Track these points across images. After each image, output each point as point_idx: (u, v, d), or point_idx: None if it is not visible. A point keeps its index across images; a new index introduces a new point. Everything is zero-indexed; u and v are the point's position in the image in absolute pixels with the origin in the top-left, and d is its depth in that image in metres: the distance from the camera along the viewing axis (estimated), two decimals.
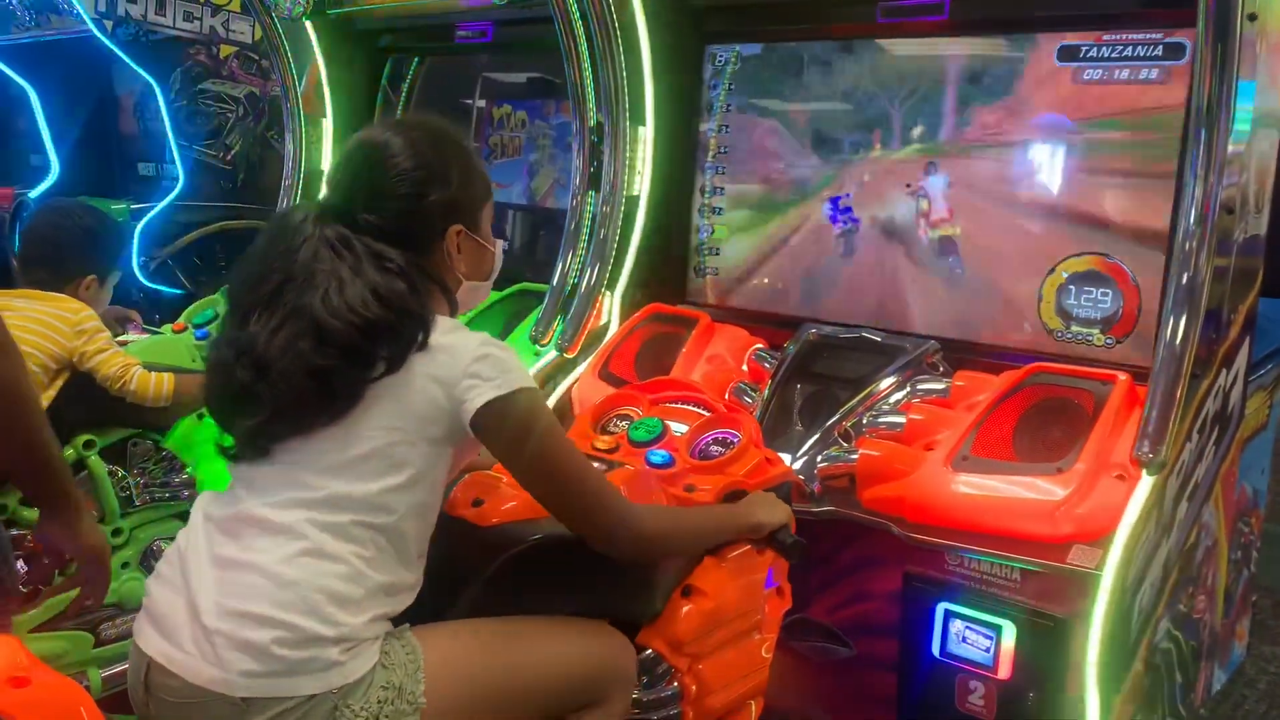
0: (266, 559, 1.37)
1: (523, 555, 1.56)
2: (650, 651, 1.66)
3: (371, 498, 1.40)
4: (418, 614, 1.50)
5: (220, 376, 1.46)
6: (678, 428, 1.92)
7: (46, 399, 2.50)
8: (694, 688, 1.67)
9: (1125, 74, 2.16)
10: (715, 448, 1.86)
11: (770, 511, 1.72)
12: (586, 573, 1.61)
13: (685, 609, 1.65)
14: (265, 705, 1.32)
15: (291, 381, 1.40)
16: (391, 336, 1.42)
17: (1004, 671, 1.87)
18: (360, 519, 1.40)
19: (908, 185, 2.47)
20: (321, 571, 1.36)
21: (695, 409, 2.02)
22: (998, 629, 1.87)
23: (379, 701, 1.36)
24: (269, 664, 1.32)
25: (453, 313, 1.59)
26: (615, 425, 2.00)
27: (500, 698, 1.49)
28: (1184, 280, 1.87)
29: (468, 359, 1.43)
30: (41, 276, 2.62)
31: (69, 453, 2.63)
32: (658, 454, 1.82)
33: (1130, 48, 2.15)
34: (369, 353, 1.41)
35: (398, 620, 1.47)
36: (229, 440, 1.50)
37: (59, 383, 2.53)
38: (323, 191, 1.62)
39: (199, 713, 1.34)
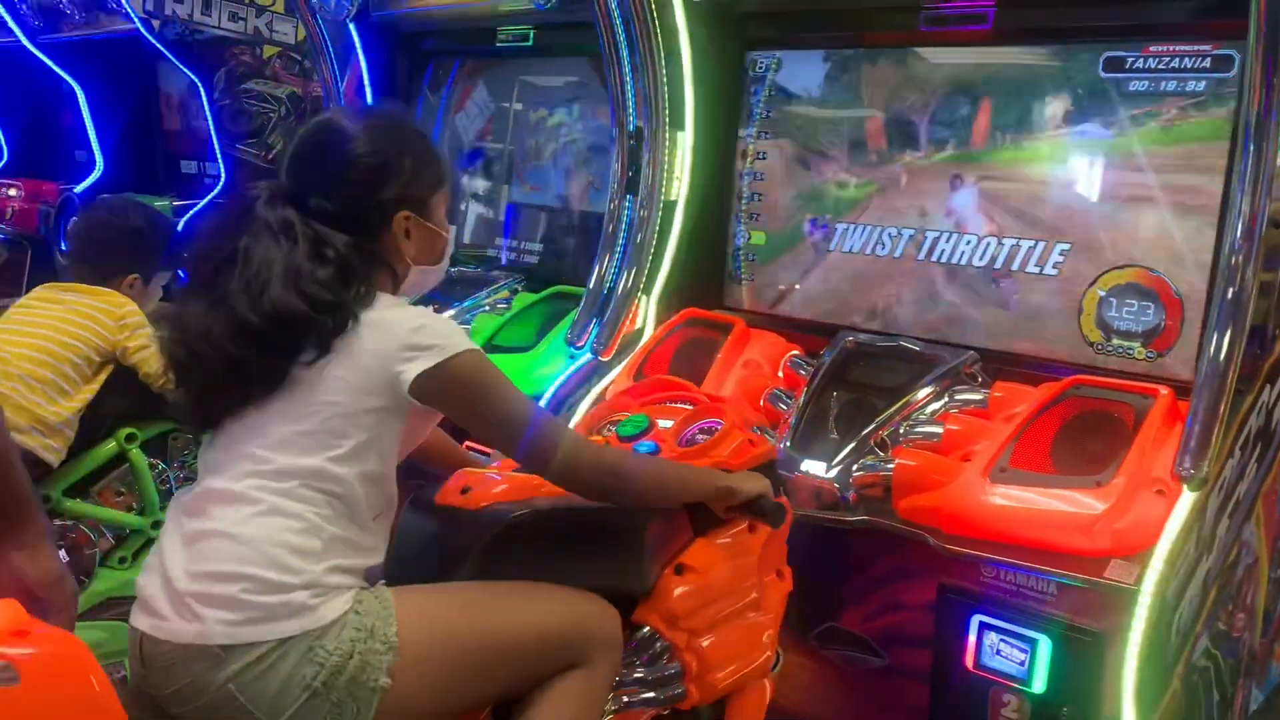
0: (226, 524, 1.44)
1: (511, 532, 1.59)
2: (646, 628, 1.68)
3: (315, 468, 1.47)
4: None
5: (166, 351, 1.56)
6: (664, 422, 1.94)
7: (90, 391, 2.54)
8: (694, 664, 1.70)
9: (1172, 85, 2.14)
10: (700, 435, 1.87)
11: (744, 481, 1.71)
12: (575, 548, 1.64)
13: (678, 585, 1.69)
14: (242, 652, 1.38)
15: (209, 368, 1.49)
16: (309, 327, 1.47)
17: (1039, 685, 1.86)
18: (307, 483, 1.46)
19: (945, 194, 2.46)
20: (277, 527, 1.44)
21: (684, 406, 2.03)
22: (1033, 642, 1.85)
23: (351, 640, 1.42)
24: (242, 611, 1.39)
25: (395, 292, 1.63)
26: (608, 429, 2.02)
27: (475, 646, 1.52)
28: (1229, 295, 1.85)
29: (403, 332, 1.50)
30: (85, 273, 2.67)
31: (111, 445, 2.68)
32: (644, 444, 1.85)
33: (1178, 59, 2.13)
34: (288, 343, 1.48)
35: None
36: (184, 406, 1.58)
37: (103, 376, 2.57)
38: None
39: (184, 671, 1.40)
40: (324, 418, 1.47)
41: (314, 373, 1.48)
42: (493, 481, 1.68)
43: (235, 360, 1.47)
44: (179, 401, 1.57)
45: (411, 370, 1.48)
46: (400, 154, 1.60)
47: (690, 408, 1.99)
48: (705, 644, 1.70)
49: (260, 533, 1.43)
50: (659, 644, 1.69)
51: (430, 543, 1.62)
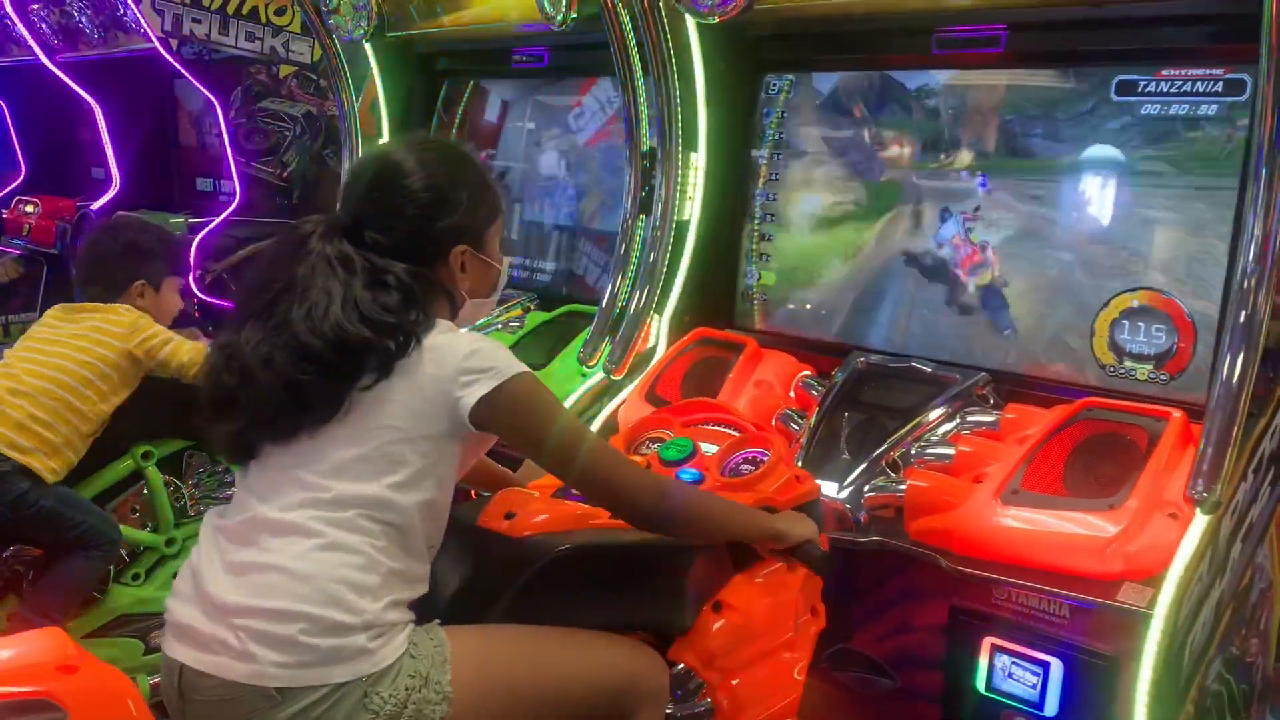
0: (281, 558, 1.41)
1: (554, 566, 1.58)
2: (681, 666, 1.67)
3: (374, 496, 1.45)
4: (451, 622, 1.53)
5: (211, 378, 1.53)
6: (708, 448, 1.93)
7: (106, 409, 2.56)
8: (726, 703, 1.68)
9: (1184, 109, 2.14)
10: (745, 466, 1.87)
11: (793, 524, 1.72)
12: (618, 585, 1.63)
13: (716, 623, 1.67)
14: (299, 695, 1.36)
15: (268, 394, 1.46)
16: (370, 351, 1.46)
17: (1051, 709, 1.84)
18: (367, 513, 1.44)
19: (961, 215, 2.47)
20: (336, 562, 1.41)
21: (726, 430, 2.03)
22: (1045, 665, 1.84)
23: (406, 689, 1.40)
24: (299, 654, 1.36)
25: (452, 319, 1.62)
26: (647, 447, 2.02)
27: (528, 698, 1.51)
28: (1242, 318, 1.85)
29: (459, 357, 1.49)
30: (95, 293, 2.70)
31: (128, 463, 2.70)
32: (688, 472, 1.84)
33: (1190, 83, 2.14)
34: (349, 367, 1.46)
35: (423, 617, 1.50)
36: (219, 447, 1.56)
37: (123, 393, 2.58)
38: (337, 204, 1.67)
39: (234, 709, 1.38)
40: (382, 442, 1.46)
41: (373, 397, 1.47)
42: (536, 508, 1.66)
43: (296, 384, 1.45)
44: (218, 430, 1.53)
45: (472, 395, 1.48)
46: (457, 188, 1.60)
47: (731, 432, 1.98)
48: (737, 683, 1.69)
49: (319, 569, 1.40)
50: (693, 682, 1.68)
51: (471, 569, 1.60)
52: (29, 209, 5.70)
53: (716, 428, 2.05)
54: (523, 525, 1.63)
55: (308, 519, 1.43)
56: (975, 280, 2.45)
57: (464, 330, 1.59)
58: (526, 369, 1.53)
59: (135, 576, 2.73)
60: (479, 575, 1.61)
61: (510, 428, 1.53)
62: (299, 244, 1.54)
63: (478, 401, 1.47)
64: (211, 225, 4.72)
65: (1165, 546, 1.79)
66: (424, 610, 1.54)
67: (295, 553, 1.41)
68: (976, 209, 2.44)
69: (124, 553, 2.72)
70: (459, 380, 1.48)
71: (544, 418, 1.53)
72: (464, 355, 1.49)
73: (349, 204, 1.61)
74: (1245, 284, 1.86)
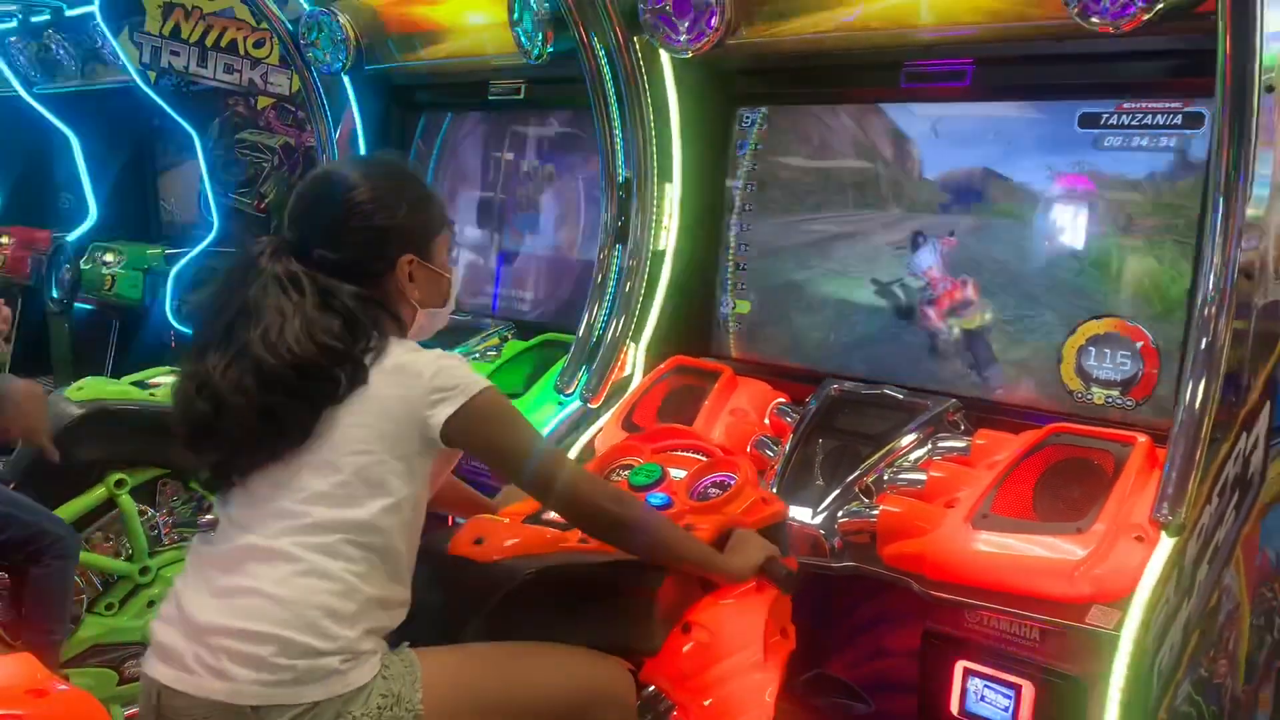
0: (263, 583, 1.43)
1: (523, 590, 1.60)
2: (652, 688, 1.68)
3: (354, 520, 1.47)
4: (421, 646, 1.54)
5: (183, 407, 1.54)
6: (677, 473, 1.95)
7: None
8: None
9: (1145, 141, 2.20)
10: (713, 490, 1.89)
11: (747, 553, 1.73)
12: (587, 607, 1.65)
13: (686, 644, 1.69)
14: (274, 713, 1.38)
15: (243, 419, 1.48)
16: (323, 375, 1.48)
17: None
18: (349, 538, 1.46)
19: (930, 245, 2.51)
20: (316, 589, 1.43)
21: (695, 455, 2.05)
22: (1017, 688, 1.86)
23: (379, 708, 1.43)
24: (274, 673, 1.39)
25: (403, 336, 1.64)
26: (618, 474, 2.03)
27: (498, 712, 1.53)
28: (1203, 344, 1.89)
29: (426, 376, 1.51)
30: None
31: (100, 491, 2.68)
32: (656, 496, 1.86)
33: (1150, 115, 2.19)
34: (312, 389, 1.48)
35: (395, 642, 1.52)
36: (202, 476, 1.57)
37: None
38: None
39: None
40: (359, 467, 1.48)
41: (342, 422, 1.49)
42: (505, 533, 1.68)
43: (268, 409, 1.47)
44: (198, 460, 1.55)
45: (441, 414, 1.50)
46: (399, 199, 1.62)
47: (700, 458, 2.00)
48: (709, 704, 1.70)
49: (298, 595, 1.43)
50: (663, 704, 1.69)
51: (441, 595, 1.61)
52: (3, 241, 5.69)
53: (685, 454, 2.07)
54: (491, 550, 1.64)
55: (290, 545, 1.45)
56: (945, 308, 2.48)
57: (425, 350, 1.60)
58: (489, 383, 1.56)
59: (109, 606, 2.71)
60: (449, 601, 1.62)
61: (475, 439, 1.56)
62: (249, 265, 1.56)
63: (448, 420, 1.50)
64: (190, 256, 4.72)
65: (1132, 569, 1.82)
66: (395, 635, 1.56)
67: (276, 578, 1.44)
68: (950, 234, 2.48)
69: (97, 582, 2.70)
70: (428, 399, 1.51)
71: (504, 427, 1.57)
72: (431, 375, 1.52)
73: (294, 222, 1.63)
74: (1206, 311, 1.90)
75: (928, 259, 2.52)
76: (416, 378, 1.52)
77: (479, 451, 1.60)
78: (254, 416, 1.47)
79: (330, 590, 1.44)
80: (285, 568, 1.44)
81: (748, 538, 1.76)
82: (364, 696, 1.42)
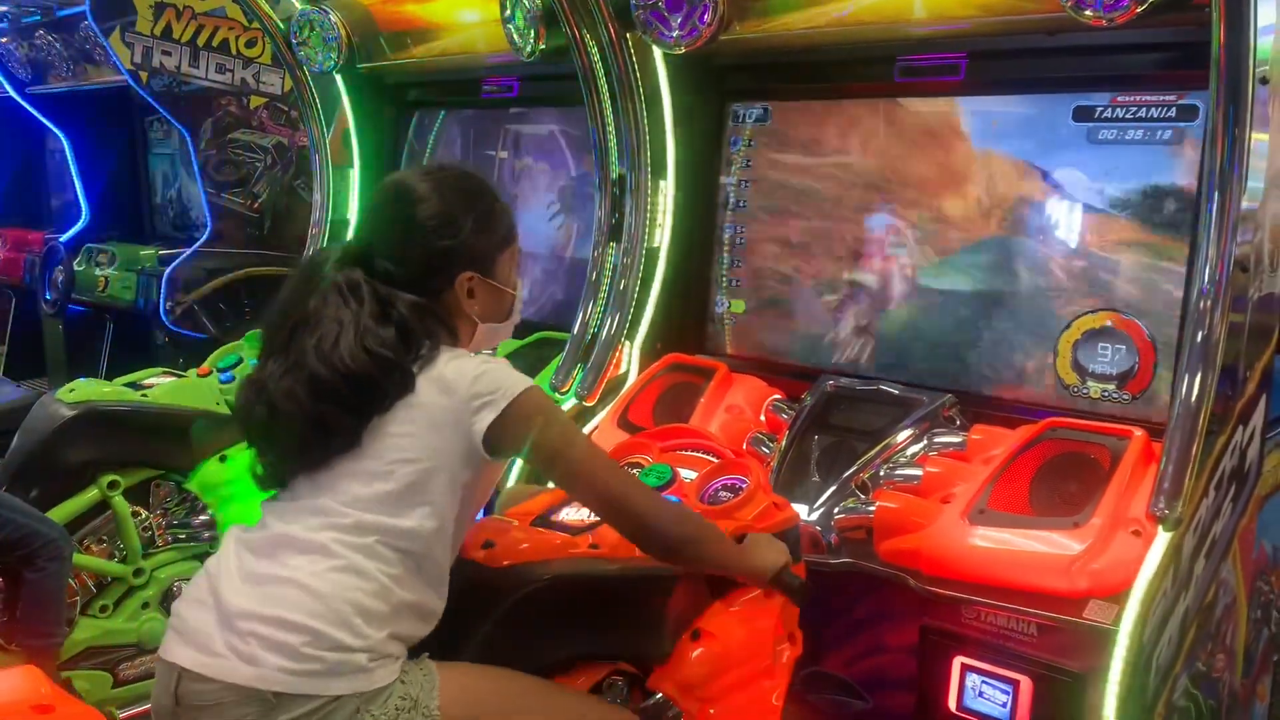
0: (299, 573, 1.45)
1: (533, 596, 1.59)
2: (660, 696, 1.67)
3: (394, 526, 1.48)
4: (430, 650, 1.54)
5: (244, 414, 1.57)
6: (687, 474, 1.94)
7: None
8: None
9: (1140, 134, 2.19)
10: (724, 493, 1.88)
11: (766, 554, 1.72)
12: (596, 614, 1.63)
13: (694, 652, 1.68)
14: (295, 702, 1.39)
15: (293, 427, 1.50)
16: (373, 386, 1.49)
17: None
18: (388, 541, 1.47)
19: (925, 240, 2.51)
20: (351, 585, 1.44)
21: (705, 456, 2.04)
22: (1014, 684, 1.86)
23: (396, 709, 1.44)
24: (303, 663, 1.40)
25: (457, 347, 1.63)
26: None
27: None
28: (1199, 338, 1.88)
29: (467, 384, 1.51)
30: None
31: (93, 493, 2.67)
32: (667, 499, 1.84)
33: (1145, 109, 2.19)
34: (362, 400, 1.50)
35: (415, 653, 1.52)
36: (259, 469, 1.59)
37: None
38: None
39: (229, 713, 1.40)
40: (403, 476, 1.49)
41: (388, 431, 1.50)
42: (515, 537, 1.67)
43: (317, 417, 1.49)
44: (255, 461, 1.58)
45: (483, 420, 1.50)
46: (465, 217, 1.61)
47: (709, 458, 1.99)
48: (715, 712, 1.69)
49: (332, 589, 1.43)
50: (671, 711, 1.68)
51: (453, 601, 1.58)
52: None
53: (694, 454, 2.06)
54: (501, 555, 1.63)
55: (329, 540, 1.47)
56: (941, 303, 2.48)
57: (470, 357, 1.59)
58: (533, 384, 1.55)
59: (103, 608, 2.70)
60: (458, 605, 1.60)
61: (521, 442, 1.54)
62: (315, 270, 1.59)
63: (490, 426, 1.50)
64: (183, 256, 4.70)
65: (1129, 564, 1.81)
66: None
67: (313, 570, 1.45)
68: (938, 233, 2.48)
69: (91, 584, 2.69)
70: (470, 406, 1.50)
71: (552, 430, 1.55)
72: (472, 380, 1.51)
73: (362, 230, 1.67)
74: (1201, 305, 1.89)
75: (921, 253, 2.51)
76: (460, 385, 1.51)
77: (527, 453, 1.57)
78: (306, 424, 1.50)
79: (364, 589, 1.45)
80: (323, 562, 1.45)
81: (762, 539, 1.75)
82: (384, 697, 1.43)
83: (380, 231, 1.62)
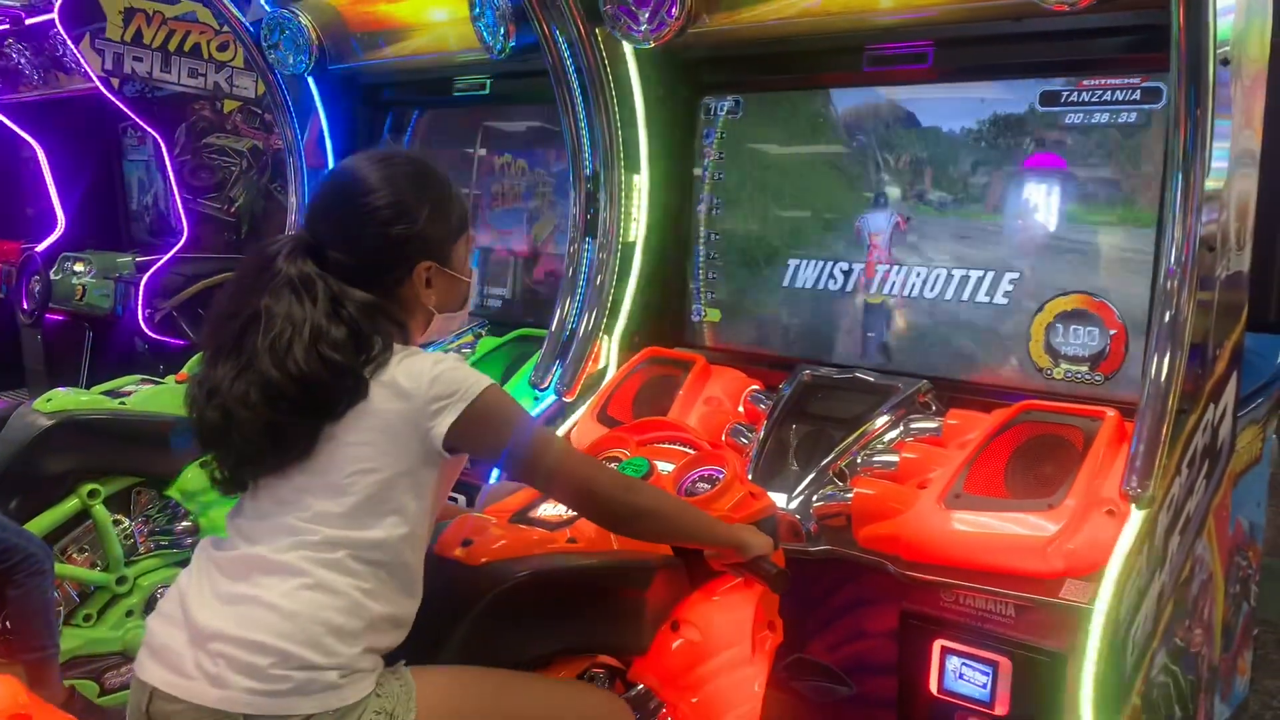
0: (270, 594, 1.41)
1: (512, 592, 1.59)
2: (641, 687, 1.68)
3: (361, 539, 1.45)
4: (410, 652, 1.52)
5: (194, 414, 1.52)
6: (664, 466, 1.95)
7: None
8: None
9: (1105, 117, 2.21)
10: (701, 484, 1.89)
11: (753, 536, 1.73)
12: (576, 608, 1.64)
13: (675, 642, 1.69)
14: None
15: (249, 432, 1.45)
16: (325, 391, 1.45)
17: (1001, 708, 1.87)
18: (358, 554, 1.44)
19: (897, 227, 2.52)
20: (323, 604, 1.41)
21: (682, 448, 2.05)
22: (994, 665, 1.88)
23: None
24: (270, 684, 1.37)
25: (416, 342, 1.61)
26: None
27: None
28: (1167, 318, 1.90)
29: (425, 384, 1.47)
30: None
31: (73, 502, 2.66)
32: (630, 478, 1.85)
33: (1109, 92, 2.21)
34: (313, 404, 1.45)
35: (392, 658, 1.50)
36: (218, 473, 1.55)
37: None
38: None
39: None
40: (364, 488, 1.45)
41: (344, 440, 1.46)
42: (493, 534, 1.66)
43: (272, 423, 1.45)
44: (210, 465, 1.53)
45: (442, 423, 1.46)
46: (419, 205, 1.56)
47: (686, 450, 2.00)
48: (696, 701, 1.70)
49: (304, 608, 1.40)
50: (653, 703, 1.69)
51: (432, 599, 1.58)
52: None
53: (672, 446, 2.07)
54: (479, 552, 1.63)
55: (298, 559, 1.43)
56: (914, 290, 2.49)
57: (423, 355, 1.54)
58: (490, 382, 1.52)
59: (87, 617, 2.69)
60: (437, 603, 1.60)
61: (481, 442, 1.52)
62: (266, 263, 1.52)
63: (450, 427, 1.47)
64: (160, 263, 4.68)
65: (1104, 543, 1.83)
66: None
67: (284, 590, 1.41)
68: (910, 221, 2.49)
69: (74, 593, 2.68)
70: (429, 410, 1.47)
71: (510, 425, 1.52)
72: (429, 382, 1.47)
73: (311, 221, 1.59)
74: (1169, 285, 1.91)
75: (894, 241, 2.53)
76: (416, 389, 1.47)
77: (484, 452, 1.56)
78: (260, 430, 1.45)
79: (336, 607, 1.42)
80: (293, 581, 1.41)
81: (752, 529, 1.76)
82: (358, 712, 1.40)
83: (332, 222, 1.56)
